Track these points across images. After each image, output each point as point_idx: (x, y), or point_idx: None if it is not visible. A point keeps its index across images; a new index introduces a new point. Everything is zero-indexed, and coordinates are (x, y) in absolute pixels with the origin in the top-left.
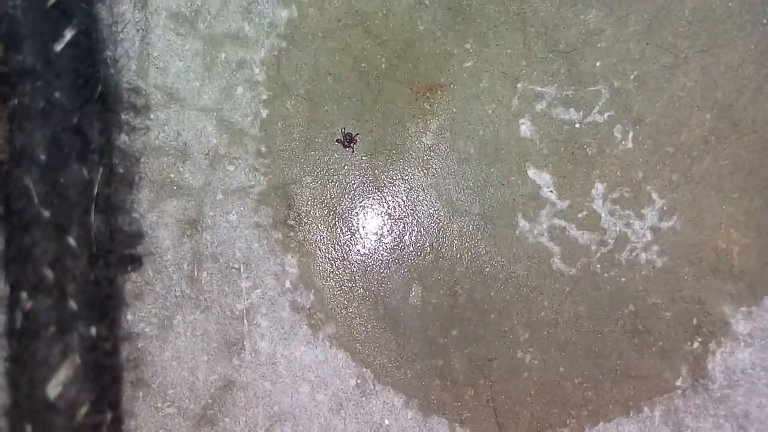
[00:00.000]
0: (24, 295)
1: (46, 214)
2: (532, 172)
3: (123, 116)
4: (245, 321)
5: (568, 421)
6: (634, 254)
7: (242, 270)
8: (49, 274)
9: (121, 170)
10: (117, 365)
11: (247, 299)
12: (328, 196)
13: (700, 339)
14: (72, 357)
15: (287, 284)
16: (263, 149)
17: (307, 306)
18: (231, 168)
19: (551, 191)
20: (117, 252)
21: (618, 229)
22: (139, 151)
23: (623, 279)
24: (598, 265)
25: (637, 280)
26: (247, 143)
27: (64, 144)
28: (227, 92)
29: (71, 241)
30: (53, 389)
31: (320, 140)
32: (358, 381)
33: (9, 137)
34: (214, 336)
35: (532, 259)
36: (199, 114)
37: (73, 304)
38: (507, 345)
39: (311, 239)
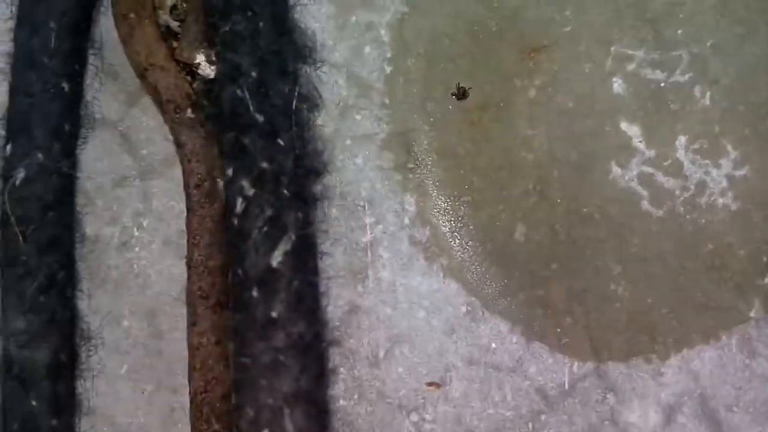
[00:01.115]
0: (246, 183)
1: (260, 119)
2: (623, 125)
3: (306, 51)
4: (369, 253)
5: (655, 347)
6: (712, 199)
7: (366, 207)
8: (266, 166)
9: (305, 93)
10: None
11: (370, 233)
12: (443, 143)
13: None
14: (289, 234)
15: (406, 221)
16: (386, 101)
17: (423, 240)
18: (358, 117)
19: (640, 142)
20: (310, 159)
21: (698, 176)
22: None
23: (703, 221)
24: (682, 208)
25: (715, 222)
26: (373, 95)
27: (270, 64)
28: (356, 50)
29: (280, 143)
30: (275, 259)
31: (437, 94)
32: (468, 308)
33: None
34: (341, 265)
35: (623, 202)
36: (332, 69)
37: (286, 192)
38: (601, 278)
39: (427, 181)
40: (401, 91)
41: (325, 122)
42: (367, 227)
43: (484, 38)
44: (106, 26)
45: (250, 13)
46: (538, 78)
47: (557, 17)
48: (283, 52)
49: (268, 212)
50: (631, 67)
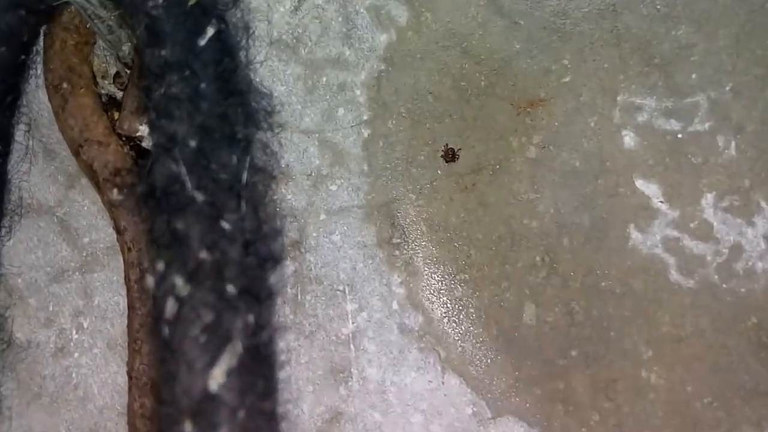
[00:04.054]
0: (179, 280)
1: (200, 198)
2: (640, 183)
3: (260, 115)
4: (352, 346)
5: None
6: (750, 263)
7: (347, 292)
8: (206, 256)
9: (260, 164)
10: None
11: (353, 322)
12: (433, 213)
13: None
14: (233, 344)
15: (394, 305)
16: (365, 168)
17: (416, 328)
18: (333, 188)
19: (661, 201)
20: (265, 242)
21: (731, 238)
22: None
23: (743, 289)
24: (716, 276)
25: (757, 290)
26: (350, 163)
27: (214, 131)
28: (329, 114)
29: (225, 224)
30: (215, 381)
31: (423, 157)
32: (474, 409)
33: (154, 125)
34: (320, 363)
35: (648, 272)
36: (302, 135)
37: (231, 289)
38: (630, 364)
39: (417, 257)
40: (382, 157)
41: (295, 195)
42: (349, 315)
43: (472, 94)
44: (39, 98)
45: (188, 73)
46: (537, 135)
47: (554, 67)
48: (231, 116)
49: (207, 317)
50: (642, 117)
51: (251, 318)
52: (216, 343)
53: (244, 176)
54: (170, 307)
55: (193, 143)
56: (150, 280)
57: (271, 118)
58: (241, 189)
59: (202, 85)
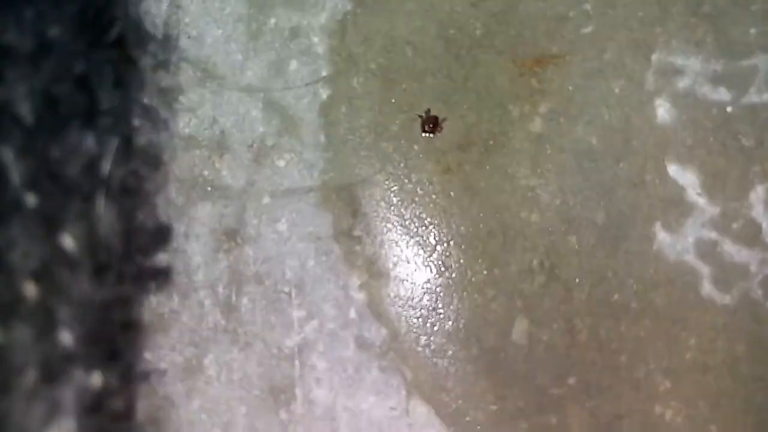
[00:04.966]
0: None
1: (31, 201)
2: (673, 169)
3: (146, 71)
4: (297, 361)
5: None
6: None
7: (294, 295)
8: (31, 290)
9: (142, 142)
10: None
11: (299, 333)
12: (406, 200)
13: None
14: (63, 420)
15: (352, 314)
16: (323, 139)
17: (378, 343)
18: (281, 163)
19: (698, 194)
20: (135, 260)
21: None
22: (168, 117)
23: None
24: (760, 291)
25: None
26: (303, 132)
27: (61, 101)
28: (278, 68)
29: (67, 241)
30: None
31: (396, 128)
32: None
33: None
34: (257, 381)
35: (674, 283)
36: (242, 95)
37: (67, 338)
38: (642, 397)
39: (383, 255)
40: (344, 125)
41: (232, 172)
42: (295, 324)
43: (464, 46)
44: None
45: (28, 13)
46: (545, 102)
47: (571, 13)
48: (92, 78)
49: (27, 378)
50: (682, 83)
51: (96, 380)
52: (38, 417)
53: (106, 167)
54: None
55: (28, 117)
56: None
57: (170, 74)
58: (98, 187)
59: (52, 30)
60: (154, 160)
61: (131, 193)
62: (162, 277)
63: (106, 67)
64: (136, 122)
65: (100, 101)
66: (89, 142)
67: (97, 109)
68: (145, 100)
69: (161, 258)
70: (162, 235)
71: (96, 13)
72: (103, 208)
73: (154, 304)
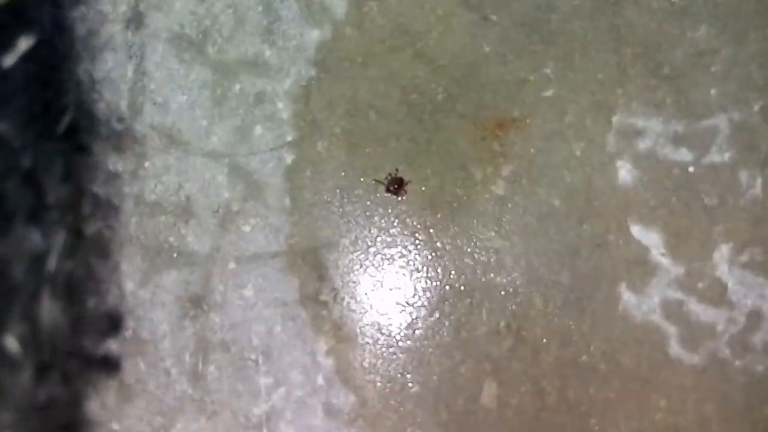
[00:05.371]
0: None
1: None
2: (636, 230)
3: (99, 157)
4: (265, 430)
5: None
6: None
7: (260, 362)
8: None
9: (91, 232)
10: None
11: (267, 401)
12: (372, 264)
13: None
14: None
15: (320, 380)
16: (288, 204)
17: (346, 410)
18: (247, 228)
19: (662, 254)
20: (81, 354)
21: (749, 302)
22: (119, 204)
23: (759, 368)
24: (727, 350)
25: None
26: (268, 197)
27: (6, 198)
28: (243, 133)
29: (10, 342)
30: None
31: (361, 191)
32: None
33: None
34: None
35: (642, 344)
36: (207, 161)
37: None
38: None
39: (351, 320)
40: (309, 189)
41: (197, 237)
42: (262, 392)
43: (426, 111)
44: None
45: None
46: (508, 165)
47: (532, 77)
48: (39, 174)
49: None
50: (643, 144)
51: None
52: None
53: (52, 263)
54: None
55: None
56: None
57: (125, 158)
58: (43, 284)
59: (1, 128)
60: (104, 250)
61: (79, 285)
62: (112, 365)
63: (56, 159)
64: (86, 211)
65: (48, 195)
66: (35, 237)
67: (44, 204)
68: (96, 189)
69: (111, 347)
70: (113, 324)
71: (44, 105)
72: (48, 305)
73: (120, 377)
